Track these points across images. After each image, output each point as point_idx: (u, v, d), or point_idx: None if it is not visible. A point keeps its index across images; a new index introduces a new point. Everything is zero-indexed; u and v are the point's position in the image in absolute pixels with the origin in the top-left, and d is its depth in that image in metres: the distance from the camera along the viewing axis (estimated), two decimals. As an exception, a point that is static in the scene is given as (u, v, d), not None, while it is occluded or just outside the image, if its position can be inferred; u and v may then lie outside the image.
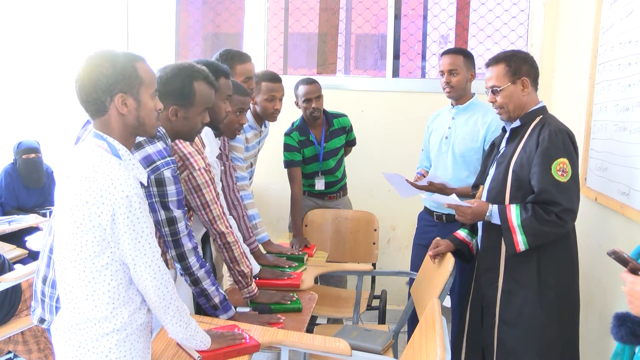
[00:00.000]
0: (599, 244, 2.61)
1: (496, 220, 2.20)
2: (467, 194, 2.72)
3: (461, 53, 2.87)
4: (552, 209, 2.10)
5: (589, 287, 2.66)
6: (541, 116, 2.25)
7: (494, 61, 2.29)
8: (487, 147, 2.78)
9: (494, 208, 2.22)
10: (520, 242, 2.13)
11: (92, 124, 1.57)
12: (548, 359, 2.20)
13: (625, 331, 1.33)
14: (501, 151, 2.34)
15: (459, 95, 2.86)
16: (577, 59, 3.17)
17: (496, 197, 2.26)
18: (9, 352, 2.99)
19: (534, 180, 2.13)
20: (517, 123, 2.28)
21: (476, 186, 2.53)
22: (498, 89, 2.25)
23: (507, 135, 2.35)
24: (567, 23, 3.47)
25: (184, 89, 1.89)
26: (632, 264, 1.29)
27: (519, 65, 2.24)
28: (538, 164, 2.13)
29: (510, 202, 2.21)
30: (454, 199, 2.35)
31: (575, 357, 2.27)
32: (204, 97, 1.93)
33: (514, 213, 2.15)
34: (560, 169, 2.09)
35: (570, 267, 2.24)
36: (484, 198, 2.35)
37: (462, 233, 2.49)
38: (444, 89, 2.87)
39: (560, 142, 2.12)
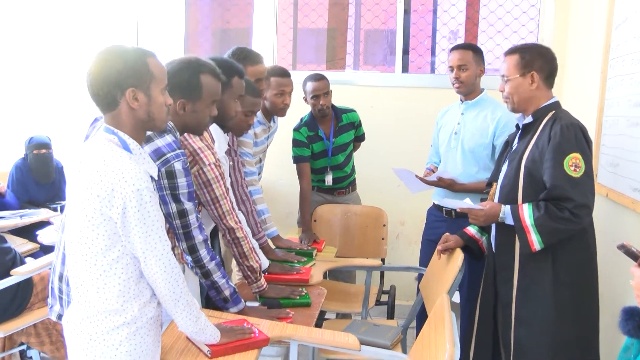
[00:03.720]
0: (610, 240, 2.59)
1: (510, 221, 2.17)
2: (476, 189, 2.71)
3: (471, 48, 2.86)
4: (566, 205, 2.06)
5: (599, 283, 2.64)
6: (553, 111, 2.21)
7: (511, 51, 2.26)
8: (496, 143, 2.77)
9: (506, 209, 2.18)
10: (535, 241, 2.09)
11: (101, 121, 1.58)
12: (564, 358, 2.17)
13: (632, 325, 1.33)
14: (514, 147, 2.32)
15: (468, 90, 2.85)
16: (588, 54, 3.14)
17: (509, 194, 2.23)
18: (22, 343, 3.02)
19: (546, 176, 2.10)
20: (529, 119, 2.25)
21: (490, 184, 2.51)
22: (507, 79, 2.24)
23: (519, 131, 2.33)
24: (579, 18, 3.44)
25: (191, 82, 1.89)
26: None
27: (532, 59, 2.20)
28: (550, 159, 2.09)
29: (523, 199, 2.17)
30: (466, 202, 2.33)
31: (594, 356, 2.24)
32: (211, 90, 1.93)
33: (526, 212, 2.11)
34: (572, 164, 2.06)
35: (587, 264, 2.20)
36: (496, 195, 2.32)
37: (472, 230, 2.48)
38: (453, 84, 2.86)
39: (573, 136, 2.08)
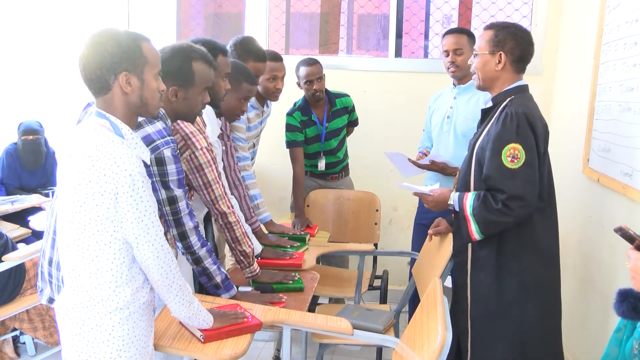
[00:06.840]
0: (600, 225, 2.61)
1: (457, 208, 2.16)
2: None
3: (465, 33, 2.87)
4: (499, 196, 2.02)
5: (589, 267, 2.67)
6: (512, 97, 2.12)
7: (488, 26, 2.19)
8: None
9: (454, 196, 2.17)
10: (474, 231, 2.08)
11: (93, 106, 1.56)
12: (513, 345, 2.12)
13: (626, 306, 1.35)
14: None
15: (463, 74, 2.85)
16: (581, 39, 3.13)
17: (463, 180, 2.22)
18: (15, 329, 3.02)
19: (485, 166, 2.07)
20: (489, 104, 2.20)
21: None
22: (476, 54, 2.18)
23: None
24: (572, 2, 3.42)
25: (183, 69, 1.89)
26: (639, 241, 1.30)
27: (505, 39, 2.12)
28: (490, 149, 2.05)
29: (474, 187, 2.15)
30: (419, 187, 2.34)
31: (554, 342, 2.19)
32: (204, 76, 1.93)
33: (468, 202, 2.09)
34: (510, 154, 2.00)
35: (534, 253, 2.12)
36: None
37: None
38: (449, 68, 2.85)
39: (515, 126, 2.01)
